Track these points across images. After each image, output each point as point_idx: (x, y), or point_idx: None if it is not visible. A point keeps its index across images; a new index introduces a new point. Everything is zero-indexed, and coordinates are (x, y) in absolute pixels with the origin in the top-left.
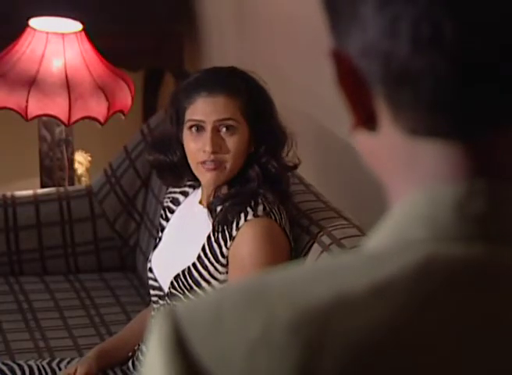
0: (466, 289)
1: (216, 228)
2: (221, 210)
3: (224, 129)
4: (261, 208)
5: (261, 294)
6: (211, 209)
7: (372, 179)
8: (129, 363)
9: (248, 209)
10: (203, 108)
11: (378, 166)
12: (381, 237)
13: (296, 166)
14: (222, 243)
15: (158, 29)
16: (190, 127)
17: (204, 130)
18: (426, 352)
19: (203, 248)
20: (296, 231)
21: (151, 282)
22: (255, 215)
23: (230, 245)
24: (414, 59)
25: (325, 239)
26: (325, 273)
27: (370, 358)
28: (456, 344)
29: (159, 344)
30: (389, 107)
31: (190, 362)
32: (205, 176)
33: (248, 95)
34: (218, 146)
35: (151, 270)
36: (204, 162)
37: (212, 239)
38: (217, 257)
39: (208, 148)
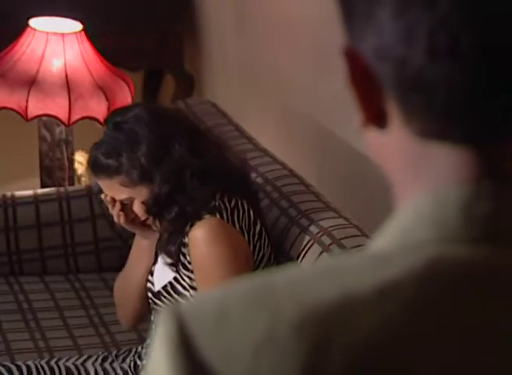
0: (470, 291)
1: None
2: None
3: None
4: (202, 212)
5: (266, 294)
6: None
7: (372, 179)
8: (130, 363)
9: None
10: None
11: (385, 163)
12: (387, 238)
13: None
14: (186, 252)
15: (158, 29)
16: None
17: None
18: (430, 353)
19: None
20: (296, 231)
21: (151, 296)
22: (199, 218)
23: (187, 252)
24: (429, 68)
25: (325, 239)
26: (331, 273)
27: (375, 359)
28: (459, 345)
29: (164, 341)
30: (400, 109)
31: (194, 360)
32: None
33: (123, 166)
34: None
35: (152, 285)
36: None
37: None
38: (186, 266)
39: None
